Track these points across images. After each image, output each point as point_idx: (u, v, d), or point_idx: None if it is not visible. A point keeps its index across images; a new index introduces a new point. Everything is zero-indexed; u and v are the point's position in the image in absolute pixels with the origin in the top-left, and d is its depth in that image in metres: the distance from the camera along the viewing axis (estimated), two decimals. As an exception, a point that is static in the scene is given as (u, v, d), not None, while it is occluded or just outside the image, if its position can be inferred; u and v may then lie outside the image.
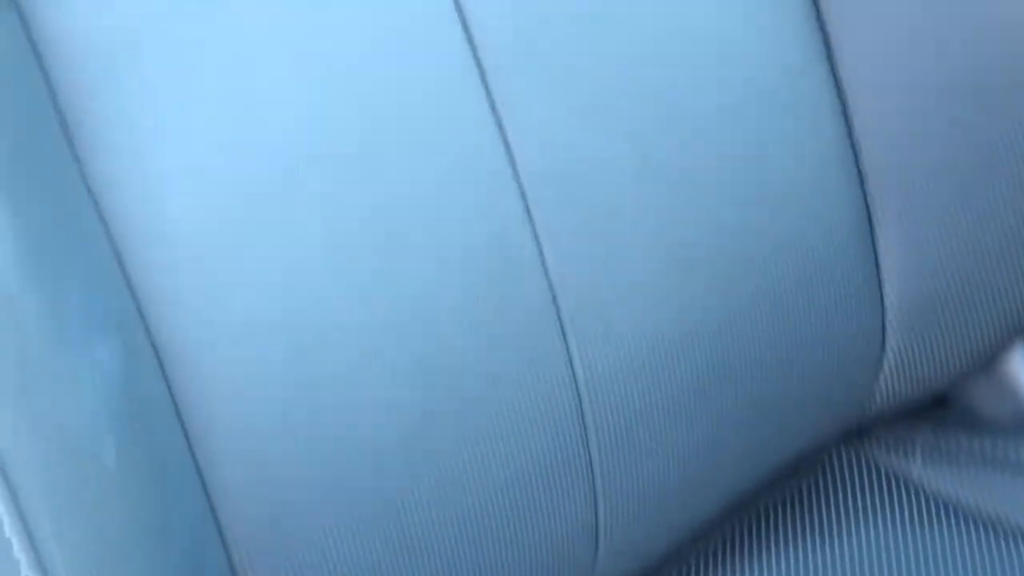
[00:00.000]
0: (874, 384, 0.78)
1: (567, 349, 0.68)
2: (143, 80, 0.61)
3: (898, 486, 0.81)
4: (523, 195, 0.67)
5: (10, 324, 0.56)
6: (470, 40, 0.66)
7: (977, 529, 0.78)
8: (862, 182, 0.74)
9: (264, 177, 0.63)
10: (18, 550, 0.56)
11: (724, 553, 0.80)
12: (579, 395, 0.69)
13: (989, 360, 0.81)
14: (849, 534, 0.79)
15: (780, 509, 0.80)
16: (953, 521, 0.79)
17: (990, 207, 0.76)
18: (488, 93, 0.66)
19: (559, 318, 0.68)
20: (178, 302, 0.62)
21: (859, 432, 0.82)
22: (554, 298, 0.68)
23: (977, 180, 0.75)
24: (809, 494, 0.81)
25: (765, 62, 0.71)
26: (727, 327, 0.72)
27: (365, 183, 0.64)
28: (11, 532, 0.56)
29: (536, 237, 0.67)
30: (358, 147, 0.64)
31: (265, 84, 0.63)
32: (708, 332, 0.72)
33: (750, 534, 0.80)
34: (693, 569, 0.79)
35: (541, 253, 0.67)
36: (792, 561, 0.79)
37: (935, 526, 0.79)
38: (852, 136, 0.74)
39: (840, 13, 0.73)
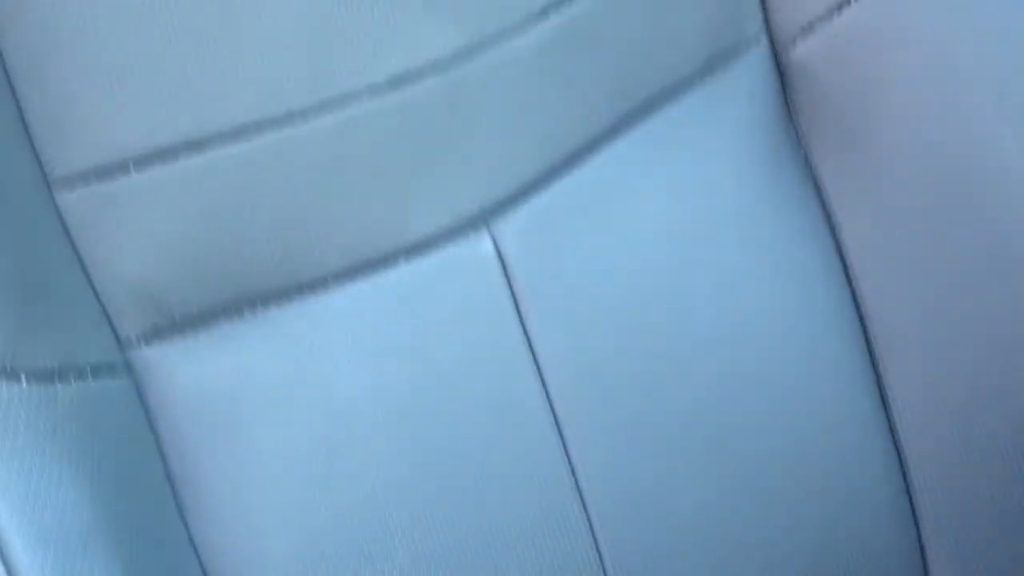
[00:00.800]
0: None
1: None
2: (242, 431, 0.66)
3: None
4: (594, 536, 0.70)
5: None
6: (541, 377, 0.70)
7: None
8: (917, 528, 0.77)
9: (355, 513, 0.67)
10: None
11: None
12: None
13: None
14: None
15: None
16: None
17: None
18: (559, 429, 0.70)
19: None
20: None
21: None
22: None
23: None
24: None
25: (822, 413, 0.75)
26: None
27: (448, 518, 0.68)
28: None
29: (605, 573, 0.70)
30: (440, 481, 0.68)
31: (352, 423, 0.68)
32: None
33: None
34: None
35: None
36: None
37: None
38: (907, 481, 0.77)
39: (894, 364, 0.77)
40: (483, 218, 0.70)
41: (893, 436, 0.76)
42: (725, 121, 0.75)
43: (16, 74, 0.62)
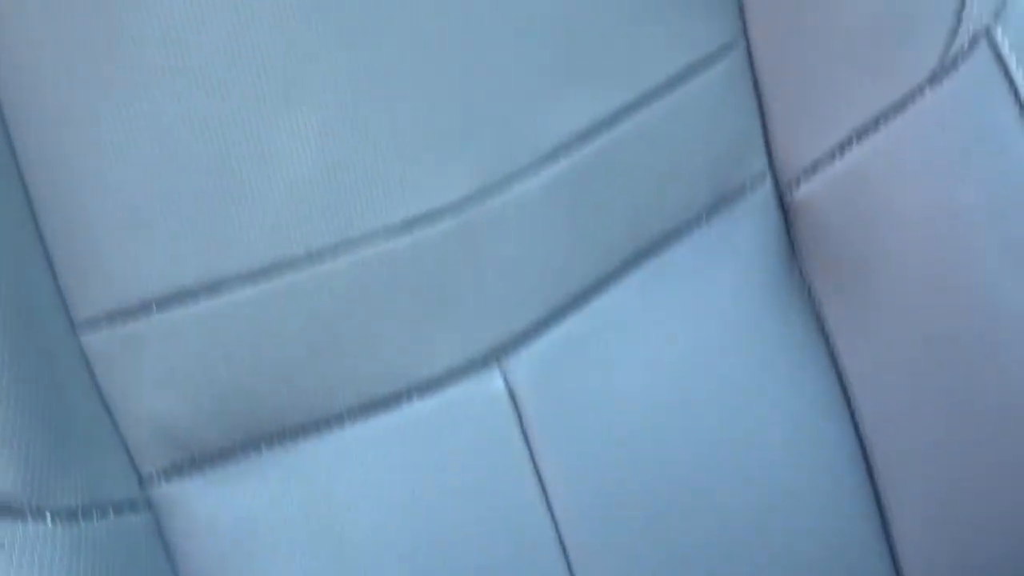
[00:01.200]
0: None
1: None
2: (258, 564, 0.68)
3: None
4: None
5: None
6: (551, 512, 0.72)
7: None
8: None
9: None
10: None
11: None
12: None
13: None
14: None
15: None
16: None
17: None
18: (568, 562, 0.71)
19: None
20: None
21: None
22: None
23: None
24: None
25: (828, 543, 0.77)
26: None
27: None
28: None
29: None
30: None
31: (365, 556, 0.69)
32: None
33: None
34: None
35: None
36: None
37: None
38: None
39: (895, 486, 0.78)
40: (494, 356, 0.71)
41: (893, 557, 0.78)
42: (730, 258, 0.77)
43: (44, 219, 0.64)
